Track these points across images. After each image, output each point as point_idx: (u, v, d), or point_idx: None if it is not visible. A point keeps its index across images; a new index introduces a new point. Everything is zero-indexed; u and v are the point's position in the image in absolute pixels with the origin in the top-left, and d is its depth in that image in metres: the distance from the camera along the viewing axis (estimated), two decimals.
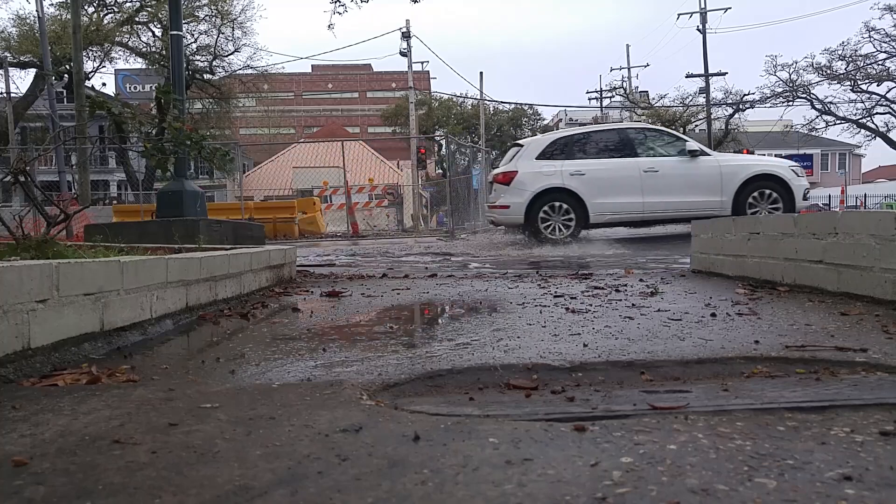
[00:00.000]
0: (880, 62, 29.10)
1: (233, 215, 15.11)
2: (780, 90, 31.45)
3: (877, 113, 31.27)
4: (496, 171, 9.96)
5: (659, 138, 9.63)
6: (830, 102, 31.37)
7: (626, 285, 3.69)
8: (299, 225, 17.01)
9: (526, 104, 44.22)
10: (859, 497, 0.90)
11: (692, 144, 9.31)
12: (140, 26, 26.30)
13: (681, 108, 32.52)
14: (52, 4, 23.46)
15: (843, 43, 30.44)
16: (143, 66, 29.55)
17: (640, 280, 4.00)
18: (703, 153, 9.26)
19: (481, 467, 1.03)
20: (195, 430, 1.24)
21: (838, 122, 32.04)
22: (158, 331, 2.35)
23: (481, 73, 33.24)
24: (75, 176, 18.20)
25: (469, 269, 5.75)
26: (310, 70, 73.61)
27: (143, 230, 6.42)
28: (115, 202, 28.60)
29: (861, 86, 30.25)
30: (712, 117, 30.26)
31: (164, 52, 24.85)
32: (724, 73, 31.44)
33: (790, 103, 31.71)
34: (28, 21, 24.68)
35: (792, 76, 31.23)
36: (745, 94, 32.05)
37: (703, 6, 30.49)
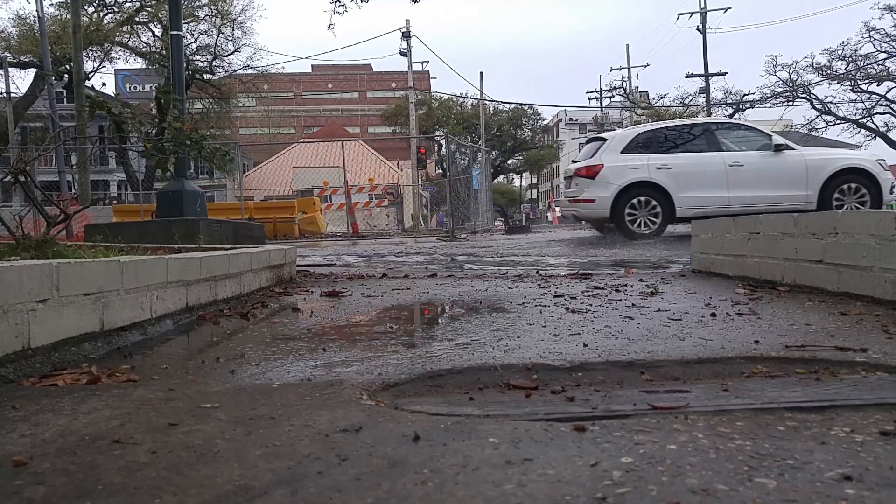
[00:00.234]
0: (880, 62, 29.10)
1: (233, 215, 15.11)
2: (780, 90, 31.45)
3: (877, 113, 31.27)
4: (577, 164, 9.83)
5: (743, 133, 9.64)
6: (830, 102, 31.37)
7: (626, 285, 3.69)
8: (299, 225, 17.01)
9: (526, 104, 44.12)
10: (859, 497, 0.90)
11: (777, 139, 9.31)
12: (140, 26, 26.30)
13: (681, 108, 32.51)
14: (52, 4, 23.49)
15: (843, 43, 30.43)
16: (143, 66, 29.55)
17: (640, 280, 4.00)
18: (788, 147, 9.24)
19: (481, 467, 1.03)
20: (195, 430, 1.24)
21: (838, 121, 32.03)
22: (158, 331, 2.35)
23: (481, 73, 33.33)
24: (75, 176, 18.21)
25: (471, 269, 5.75)
26: (310, 70, 73.66)
27: (143, 230, 6.43)
28: (115, 202, 28.61)
29: (861, 86, 30.24)
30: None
31: (164, 52, 24.85)
32: (724, 73, 31.50)
33: (790, 103, 31.70)
34: (28, 21, 24.70)
35: (792, 76, 31.24)
36: (745, 94, 32.08)
37: (703, 6, 30.51)
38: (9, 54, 24.52)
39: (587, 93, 45.89)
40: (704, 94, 30.31)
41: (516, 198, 67.61)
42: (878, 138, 31.95)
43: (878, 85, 30.09)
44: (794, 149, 9.33)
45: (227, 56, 27.47)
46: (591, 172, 9.24)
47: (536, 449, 1.11)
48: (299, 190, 24.59)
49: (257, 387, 1.60)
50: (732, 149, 9.27)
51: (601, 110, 45.36)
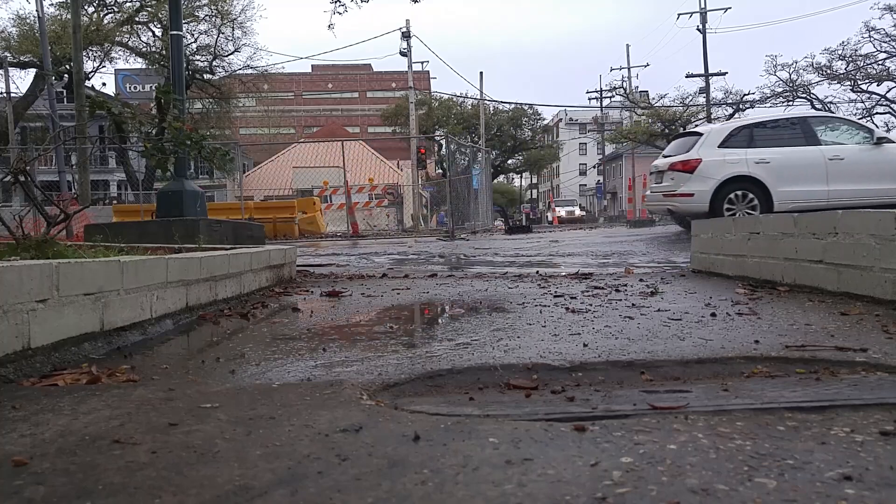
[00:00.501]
0: (880, 62, 29.09)
1: (233, 215, 15.10)
2: (780, 90, 31.44)
3: (877, 113, 31.25)
4: (671, 159, 9.79)
5: (842, 126, 9.60)
6: (830, 102, 31.35)
7: (626, 285, 3.69)
8: (299, 225, 17.00)
9: (526, 104, 44.19)
10: (859, 497, 0.90)
11: (879, 132, 9.28)
12: (140, 26, 26.30)
13: (681, 108, 32.50)
14: (52, 4, 23.48)
15: (843, 43, 30.43)
16: (143, 66, 29.55)
17: (640, 280, 4.00)
18: (889, 141, 9.19)
19: (481, 467, 1.03)
20: (195, 430, 1.24)
21: None
22: (158, 331, 2.35)
23: (481, 73, 33.31)
24: (75, 176, 18.20)
25: (473, 269, 5.74)
26: (310, 70, 73.69)
27: (143, 230, 6.42)
28: (115, 202, 28.61)
29: (861, 86, 30.24)
30: (712, 117, 30.24)
31: (164, 52, 24.84)
32: (724, 73, 31.47)
33: (790, 103, 31.69)
34: (28, 21, 24.68)
35: (792, 76, 31.23)
36: (745, 94, 32.06)
37: (703, 6, 30.49)
38: (9, 54, 24.52)
39: (587, 93, 45.95)
40: (704, 94, 30.29)
41: (516, 198, 67.63)
42: None
43: (878, 85, 30.10)
44: (894, 142, 9.25)
45: (227, 56, 27.49)
46: (689, 167, 9.24)
47: (536, 449, 1.11)
48: (299, 190, 24.58)
49: (257, 387, 1.60)
50: (831, 142, 9.23)
51: (601, 110, 45.36)
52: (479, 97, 35.17)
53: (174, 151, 5.86)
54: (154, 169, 18.15)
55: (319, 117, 75.03)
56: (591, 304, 2.93)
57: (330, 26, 15.55)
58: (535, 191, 77.58)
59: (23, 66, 24.97)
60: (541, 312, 2.73)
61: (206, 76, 27.86)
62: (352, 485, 0.97)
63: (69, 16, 17.43)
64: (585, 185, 67.10)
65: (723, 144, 9.25)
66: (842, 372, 1.65)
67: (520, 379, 1.66)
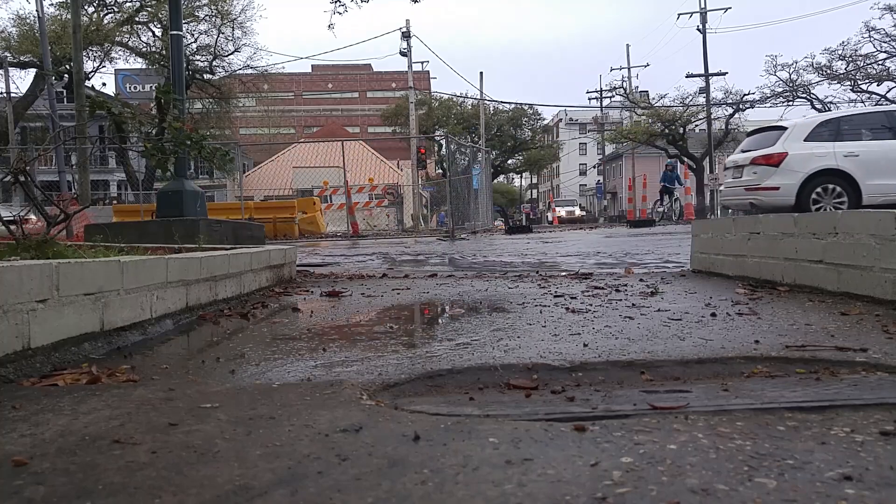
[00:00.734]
0: (880, 62, 29.08)
1: (233, 215, 15.10)
2: (780, 90, 31.42)
3: None
4: (755, 153, 9.79)
5: None
6: (830, 102, 31.33)
7: (626, 285, 3.69)
8: (299, 225, 17.00)
9: (526, 104, 44.21)
10: (859, 497, 0.90)
11: None
12: (140, 26, 26.30)
13: (681, 108, 32.48)
14: (52, 4, 23.47)
15: (843, 43, 30.38)
16: (143, 66, 29.55)
17: (641, 280, 4.00)
18: None
19: (481, 467, 1.03)
20: (195, 429, 1.24)
21: None
22: (158, 331, 2.35)
23: (481, 73, 33.32)
24: (75, 176, 18.20)
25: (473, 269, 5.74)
26: (310, 70, 73.73)
27: (143, 230, 6.42)
28: (115, 202, 28.61)
29: (861, 86, 30.23)
30: (712, 117, 30.24)
31: (164, 52, 24.84)
32: (724, 73, 31.43)
33: (790, 103, 31.68)
34: (28, 21, 24.68)
35: (792, 76, 31.21)
36: (745, 94, 32.05)
37: (703, 6, 30.48)
38: (9, 54, 24.52)
39: (587, 93, 45.92)
40: (704, 94, 30.27)
41: (516, 198, 67.67)
42: None
43: (878, 85, 30.08)
44: None
45: (227, 56, 27.49)
46: (774, 160, 9.24)
47: (536, 449, 1.11)
48: (299, 190, 24.59)
49: (257, 387, 1.60)
50: None
51: (601, 110, 45.35)
52: (479, 97, 35.18)
53: (174, 151, 5.86)
54: (154, 169, 18.16)
55: (319, 117, 75.04)
56: (591, 304, 2.93)
57: (330, 26, 15.57)
58: (535, 191, 77.60)
59: (23, 66, 24.97)
60: (541, 312, 2.73)
61: (206, 76, 27.86)
62: (352, 485, 0.97)
63: (69, 16, 17.42)
64: (585, 185, 67.12)
65: (809, 138, 9.25)
66: (842, 372, 1.65)
67: (520, 379, 1.66)
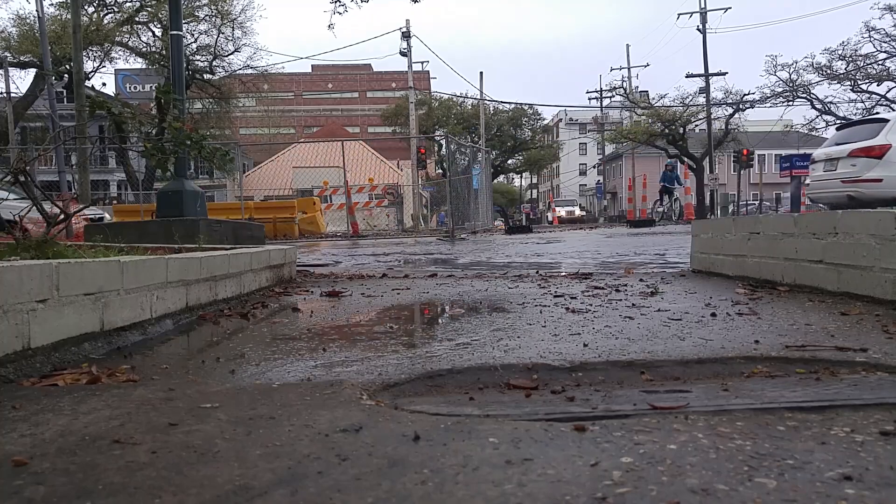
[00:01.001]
0: (880, 62, 29.06)
1: (233, 215, 15.10)
2: (780, 90, 31.39)
3: (877, 113, 31.25)
4: (853, 145, 9.77)
5: None
6: (830, 102, 31.33)
7: (626, 285, 3.69)
8: (299, 225, 17.01)
9: (526, 104, 44.22)
10: (859, 497, 0.90)
11: None
12: (140, 26, 26.30)
13: (681, 108, 32.47)
14: (52, 4, 23.48)
15: (843, 43, 30.37)
16: (143, 66, 29.55)
17: (640, 280, 4.00)
18: None
19: (481, 467, 1.03)
20: (195, 429, 1.24)
21: (838, 121, 31.99)
22: (158, 331, 2.35)
23: (481, 73, 33.32)
24: (75, 176, 18.19)
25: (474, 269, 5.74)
26: (310, 70, 73.74)
27: (143, 230, 6.42)
28: (115, 202, 28.61)
29: (861, 86, 30.22)
30: (712, 117, 30.22)
31: (164, 52, 24.84)
32: (724, 73, 31.41)
33: (790, 103, 31.65)
34: (28, 21, 24.69)
35: (792, 76, 31.18)
36: (745, 94, 32.02)
37: (703, 6, 30.46)
38: (9, 54, 24.52)
39: (587, 93, 45.92)
40: (704, 94, 30.26)
41: (516, 198, 67.67)
42: None
43: (878, 85, 30.07)
44: None
45: (227, 56, 27.49)
46: (876, 153, 9.21)
47: (536, 449, 1.11)
48: (299, 190, 24.59)
49: (257, 387, 1.60)
50: None
51: (601, 110, 45.34)
52: (479, 97, 35.18)
53: (174, 151, 5.85)
54: (154, 169, 18.16)
55: (319, 117, 75.05)
56: (591, 304, 2.93)
57: (330, 26, 15.58)
58: (535, 191, 77.60)
59: (23, 66, 24.97)
60: (541, 312, 2.73)
61: (206, 76, 27.86)
62: (352, 485, 0.97)
63: (69, 16, 17.43)
64: (585, 184, 67.13)
65: None
66: (842, 372, 1.65)
67: (520, 379, 1.66)
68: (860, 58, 29.42)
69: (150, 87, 34.04)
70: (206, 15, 26.28)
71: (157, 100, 22.35)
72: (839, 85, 30.79)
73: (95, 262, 2.03)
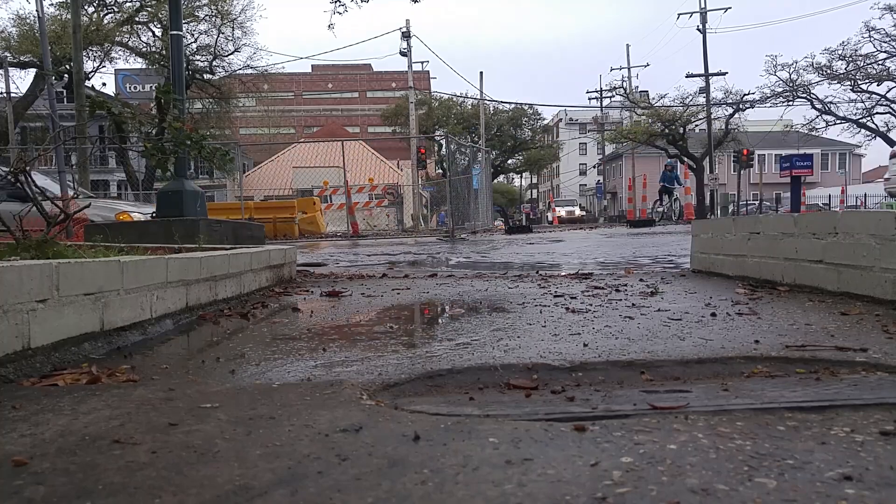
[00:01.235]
0: (880, 62, 29.07)
1: (233, 215, 15.09)
2: (780, 90, 31.41)
3: (877, 113, 31.25)
4: None
5: None
6: (830, 102, 31.35)
7: (626, 285, 3.69)
8: (299, 225, 17.00)
9: (526, 104, 44.22)
10: (859, 497, 0.90)
11: None
12: (140, 26, 26.28)
13: (681, 108, 32.46)
14: (52, 4, 23.45)
15: (843, 43, 30.40)
16: (143, 66, 29.53)
17: (640, 280, 4.00)
18: None
19: (481, 467, 1.03)
20: (195, 429, 1.24)
21: (838, 121, 32.03)
22: (158, 330, 2.35)
23: (481, 73, 33.31)
24: (75, 176, 18.19)
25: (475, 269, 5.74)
26: (310, 70, 73.71)
27: (143, 230, 6.42)
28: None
29: (861, 86, 30.23)
30: (712, 117, 30.21)
31: (164, 52, 24.84)
32: (724, 73, 31.40)
33: (790, 103, 31.67)
34: (28, 21, 24.66)
35: (792, 76, 31.20)
36: (745, 94, 32.02)
37: (703, 6, 30.45)
38: (9, 54, 24.50)
39: (587, 93, 45.89)
40: (704, 94, 30.25)
41: (516, 198, 67.66)
42: (878, 138, 31.97)
43: (878, 85, 30.09)
44: None
45: (227, 56, 27.47)
46: None
47: (536, 449, 1.11)
48: (299, 190, 24.59)
49: (257, 387, 1.60)
50: None
51: (601, 110, 45.33)
52: (479, 97, 35.17)
53: (174, 151, 5.85)
54: (154, 169, 18.16)
55: (319, 117, 75.04)
56: (591, 304, 2.93)
57: (330, 26, 15.57)
58: (535, 191, 77.59)
59: (23, 66, 24.95)
60: (541, 312, 2.73)
61: (206, 76, 27.85)
62: (352, 485, 0.97)
63: (69, 16, 17.43)
64: (585, 184, 67.12)
65: None
66: (842, 372, 1.65)
67: (520, 379, 1.66)
68: (860, 58, 29.44)
69: (150, 87, 34.02)
70: (206, 15, 26.27)
71: (157, 100, 22.34)
72: (839, 85, 30.83)
73: (95, 262, 2.03)
